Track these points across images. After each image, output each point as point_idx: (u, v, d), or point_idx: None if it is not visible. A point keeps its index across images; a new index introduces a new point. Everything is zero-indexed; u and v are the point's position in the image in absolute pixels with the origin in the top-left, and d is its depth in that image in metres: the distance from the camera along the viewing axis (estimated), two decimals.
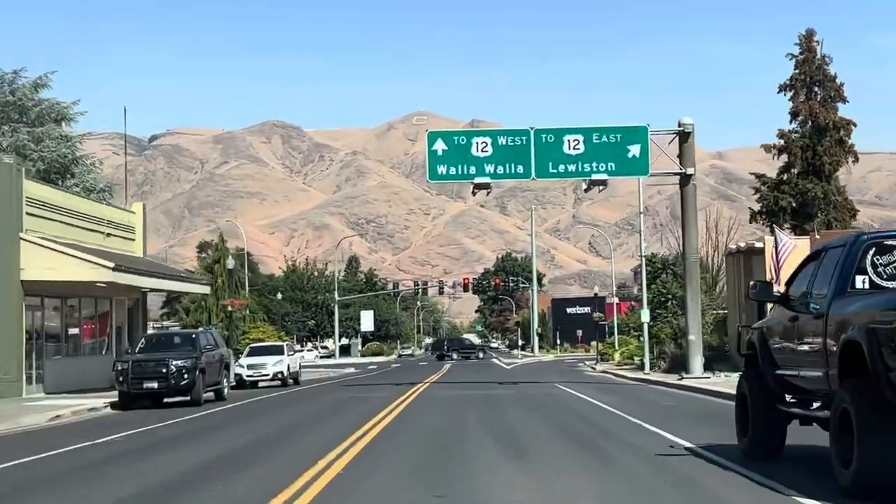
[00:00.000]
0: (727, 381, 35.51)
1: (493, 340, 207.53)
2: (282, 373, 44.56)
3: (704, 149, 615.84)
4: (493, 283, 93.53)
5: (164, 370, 29.46)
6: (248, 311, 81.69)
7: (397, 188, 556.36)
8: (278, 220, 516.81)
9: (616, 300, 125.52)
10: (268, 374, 44.38)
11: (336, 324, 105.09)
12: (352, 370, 72.98)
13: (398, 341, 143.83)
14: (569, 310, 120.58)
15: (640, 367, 53.53)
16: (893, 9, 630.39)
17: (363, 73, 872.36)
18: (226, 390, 33.59)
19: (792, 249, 40.66)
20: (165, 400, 30.67)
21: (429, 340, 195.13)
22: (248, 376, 44.14)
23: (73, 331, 40.01)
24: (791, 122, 51.08)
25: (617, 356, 67.98)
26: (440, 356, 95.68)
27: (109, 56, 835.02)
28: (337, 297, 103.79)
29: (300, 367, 49.63)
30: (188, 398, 30.12)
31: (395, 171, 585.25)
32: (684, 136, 37.79)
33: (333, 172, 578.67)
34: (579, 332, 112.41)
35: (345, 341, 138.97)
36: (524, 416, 23.22)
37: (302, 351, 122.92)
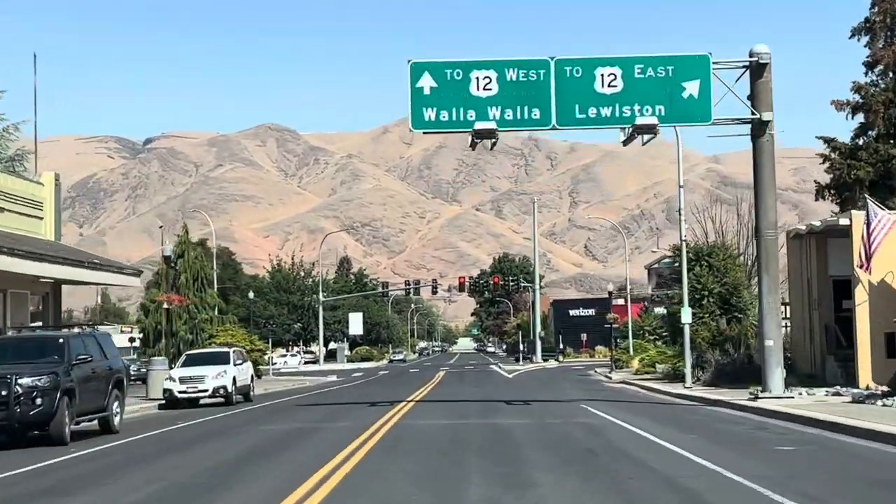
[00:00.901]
0: (827, 404, 25.13)
1: (490, 345, 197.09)
2: (224, 388, 34.14)
3: (700, 152, 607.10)
4: (491, 283, 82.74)
5: (4, 392, 19.06)
6: (216, 313, 71.14)
7: (393, 191, 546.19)
8: (273, 224, 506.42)
9: (622, 301, 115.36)
10: (206, 390, 33.93)
11: (321, 326, 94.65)
12: (333, 378, 62.77)
13: (390, 345, 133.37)
14: (572, 312, 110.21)
15: (670, 378, 43.43)
16: None
17: (359, 75, 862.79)
18: (117, 419, 23.07)
19: (890, 226, 30.44)
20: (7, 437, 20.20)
21: (423, 345, 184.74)
22: (180, 392, 33.72)
23: None
24: (867, 73, 40.52)
25: (635, 363, 57.54)
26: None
27: (104, 58, 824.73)
28: (321, 298, 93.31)
29: (252, 378, 39.14)
30: (47, 432, 19.79)
31: (391, 175, 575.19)
32: (758, 70, 27.22)
33: (328, 175, 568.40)
34: (584, 336, 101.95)
35: (333, 346, 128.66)
36: (572, 487, 12.77)
37: (286, 356, 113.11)
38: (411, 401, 33.17)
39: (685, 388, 37.03)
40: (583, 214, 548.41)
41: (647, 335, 70.28)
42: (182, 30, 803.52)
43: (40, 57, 38.39)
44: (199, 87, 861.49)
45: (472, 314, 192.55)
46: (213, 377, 34.01)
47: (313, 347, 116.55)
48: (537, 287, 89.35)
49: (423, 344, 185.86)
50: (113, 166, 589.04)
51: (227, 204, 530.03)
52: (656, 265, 73.84)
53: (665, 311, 72.39)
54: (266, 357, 60.98)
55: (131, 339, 75.78)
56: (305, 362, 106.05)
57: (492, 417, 25.15)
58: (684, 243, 39.53)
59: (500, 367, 73.09)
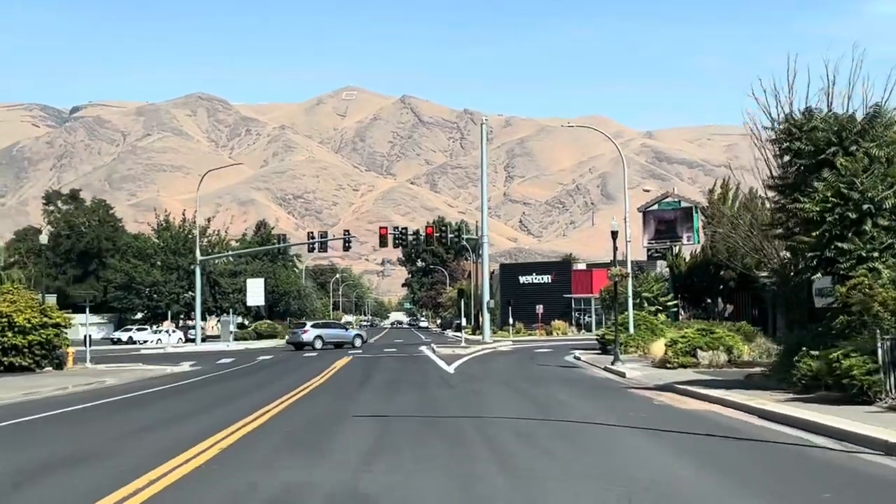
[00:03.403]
0: None
1: (423, 319, 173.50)
2: None
3: (634, 128, 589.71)
4: (423, 235, 58.89)
5: None
6: None
7: (326, 163, 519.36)
8: (202, 195, 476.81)
9: (582, 266, 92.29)
10: None
11: (198, 293, 70.38)
12: (184, 368, 39.48)
13: (304, 319, 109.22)
14: (523, 279, 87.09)
15: (762, 381, 20.95)
16: None
17: (292, 46, 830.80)
18: None
19: None
20: None
21: (348, 319, 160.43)
22: None
23: None
24: None
25: (656, 348, 34.42)
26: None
27: (29, 24, 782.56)
28: (199, 257, 69.04)
29: None
30: None
31: (324, 147, 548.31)
32: None
33: (260, 147, 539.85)
34: (539, 308, 78.77)
35: (228, 319, 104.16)
36: None
37: (159, 333, 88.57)
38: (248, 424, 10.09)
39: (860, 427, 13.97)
40: (518, 189, 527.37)
41: (646, 305, 47.39)
42: None
43: None
44: (128, 55, 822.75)
45: (404, 285, 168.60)
46: None
47: (212, 321, 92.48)
48: (485, 236, 65.73)
49: (348, 318, 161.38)
50: (38, 134, 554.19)
51: (156, 174, 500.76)
52: (654, 206, 50.38)
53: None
54: (64, 336, 37.05)
55: None
56: (188, 339, 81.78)
57: None
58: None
59: (433, 352, 49.78)
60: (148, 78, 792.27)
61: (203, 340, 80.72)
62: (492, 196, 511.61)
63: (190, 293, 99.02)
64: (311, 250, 69.18)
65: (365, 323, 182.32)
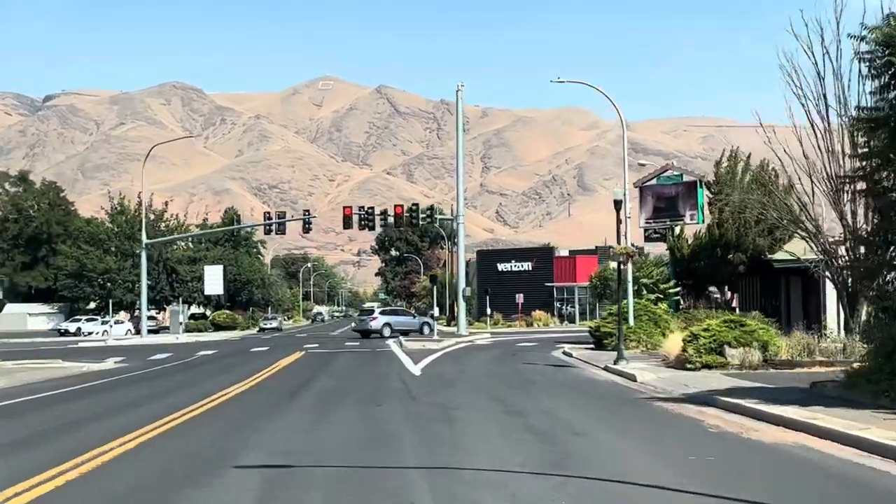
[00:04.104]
0: None
1: None
2: None
3: (611, 120, 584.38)
4: (393, 214, 51.98)
5: None
6: None
7: (301, 153, 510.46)
8: (176, 185, 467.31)
9: (565, 253, 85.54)
10: None
11: (143, 279, 63.15)
12: (106, 366, 33.16)
13: (269, 309, 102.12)
14: (501, 266, 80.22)
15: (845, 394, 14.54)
16: None
17: (268, 35, 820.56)
18: None
19: None
20: None
21: (319, 309, 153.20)
22: None
23: None
24: None
25: (671, 344, 27.82)
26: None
27: (3, 12, 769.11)
28: (145, 239, 61.94)
29: None
30: None
31: (300, 137, 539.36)
32: None
33: (235, 136, 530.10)
34: (519, 298, 72.00)
35: (196, 310, 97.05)
36: None
37: (108, 324, 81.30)
38: None
39: None
40: (494, 180, 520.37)
41: (644, 292, 40.78)
42: None
43: None
44: (102, 43, 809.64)
45: (377, 274, 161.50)
46: None
47: (175, 308, 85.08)
48: (461, 216, 58.74)
49: (319, 309, 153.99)
50: (10, 123, 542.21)
51: (129, 163, 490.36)
52: (652, 181, 43.68)
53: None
54: None
55: None
56: (149, 330, 74.54)
57: None
58: None
59: (400, 346, 42.97)
60: (122, 67, 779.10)
61: (156, 332, 73.66)
62: (468, 187, 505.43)
63: (148, 282, 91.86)
64: (267, 232, 62.12)
65: (337, 314, 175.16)
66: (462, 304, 55.10)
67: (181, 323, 66.98)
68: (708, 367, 24.25)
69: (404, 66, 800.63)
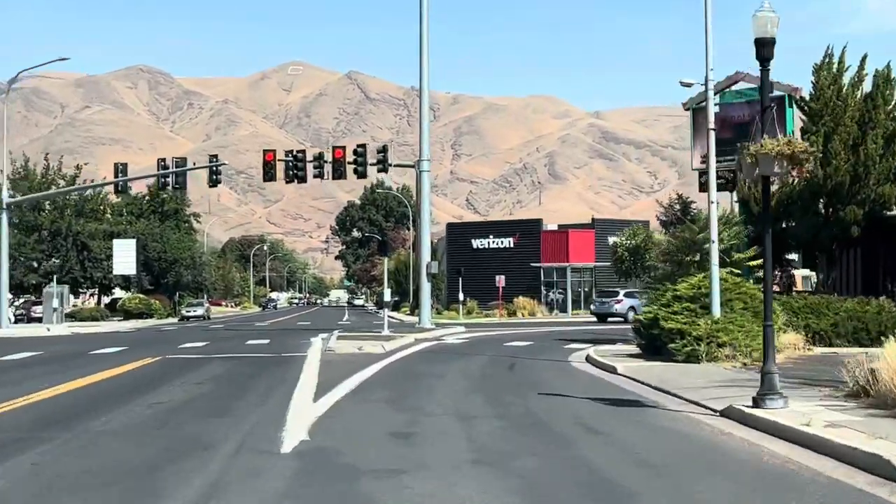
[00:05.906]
0: None
1: (360, 297, 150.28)
2: None
3: (582, 108, 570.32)
4: (332, 158, 36.13)
5: None
6: None
7: (270, 138, 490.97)
8: (142, 169, 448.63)
9: (552, 227, 69.64)
10: None
11: (3, 253, 46.71)
12: None
13: (205, 294, 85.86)
14: (476, 243, 64.25)
15: None
16: None
17: (236, 19, 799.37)
18: None
19: None
20: None
21: (275, 296, 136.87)
22: None
23: None
24: None
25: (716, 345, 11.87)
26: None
27: None
28: (5, 198, 45.65)
29: None
30: None
31: (268, 122, 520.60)
32: None
33: (203, 121, 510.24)
34: (500, 280, 55.95)
35: (124, 295, 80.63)
36: None
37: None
38: None
39: None
40: (464, 167, 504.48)
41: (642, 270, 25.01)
42: None
43: None
44: (67, 25, 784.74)
45: (337, 257, 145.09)
46: None
47: (49, 291, 68.58)
48: (425, 161, 42.91)
49: (276, 295, 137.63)
50: None
51: (95, 147, 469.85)
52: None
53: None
54: None
55: None
56: (32, 319, 58.48)
57: None
58: None
59: (325, 349, 27.14)
60: (87, 48, 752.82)
61: (39, 321, 57.26)
62: (438, 174, 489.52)
63: (54, 260, 75.41)
64: (162, 187, 46.09)
65: (296, 302, 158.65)
66: (426, 286, 39.34)
67: (56, 309, 50.65)
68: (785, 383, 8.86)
69: (374, 52, 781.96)
